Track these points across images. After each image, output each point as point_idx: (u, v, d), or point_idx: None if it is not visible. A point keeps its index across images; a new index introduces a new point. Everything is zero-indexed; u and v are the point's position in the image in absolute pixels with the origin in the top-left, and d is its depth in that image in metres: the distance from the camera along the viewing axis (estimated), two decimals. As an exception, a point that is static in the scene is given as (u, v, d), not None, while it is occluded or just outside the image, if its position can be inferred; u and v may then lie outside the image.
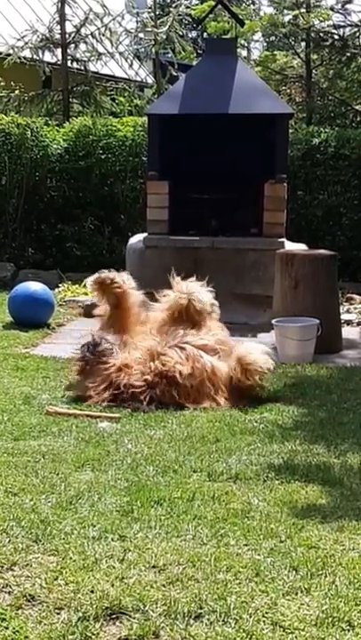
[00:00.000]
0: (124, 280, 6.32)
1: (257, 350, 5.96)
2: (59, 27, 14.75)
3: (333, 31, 15.84)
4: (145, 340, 6.02)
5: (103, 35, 15.30)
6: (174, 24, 15.76)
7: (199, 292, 6.27)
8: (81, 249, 11.72)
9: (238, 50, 14.29)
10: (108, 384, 5.77)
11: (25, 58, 14.80)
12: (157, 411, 5.54)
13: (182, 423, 5.24)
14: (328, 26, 16.12)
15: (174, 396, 5.68)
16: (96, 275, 6.31)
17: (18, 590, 3.05)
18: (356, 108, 16.53)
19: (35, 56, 14.89)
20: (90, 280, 6.38)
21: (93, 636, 2.78)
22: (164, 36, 15.86)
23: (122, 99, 15.93)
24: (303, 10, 16.30)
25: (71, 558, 3.27)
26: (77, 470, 4.31)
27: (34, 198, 11.84)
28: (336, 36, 15.67)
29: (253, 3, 28.06)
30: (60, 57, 14.94)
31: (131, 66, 17.62)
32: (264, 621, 2.85)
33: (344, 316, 8.57)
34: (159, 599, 2.97)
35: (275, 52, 19.64)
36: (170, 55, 16.86)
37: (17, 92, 14.52)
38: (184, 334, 5.97)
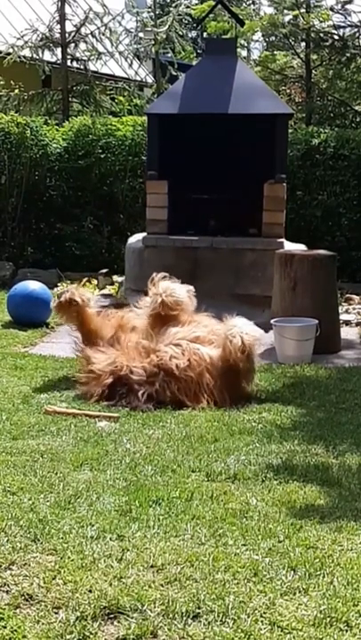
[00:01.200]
0: (83, 298, 6.36)
1: (242, 324, 5.98)
2: (59, 26, 14.75)
3: (333, 31, 15.86)
4: (138, 342, 6.03)
5: (103, 34, 15.30)
6: (174, 24, 15.77)
7: (172, 287, 6.25)
8: (80, 248, 11.72)
9: (238, 50, 14.29)
10: (106, 373, 5.80)
11: (25, 57, 14.80)
12: (156, 410, 5.54)
13: (181, 423, 5.24)
14: (328, 26, 16.13)
15: (174, 392, 5.67)
16: (56, 300, 6.46)
17: (16, 589, 3.05)
18: (356, 108, 16.54)
19: (34, 55, 14.88)
20: (53, 306, 6.56)
21: (91, 636, 2.78)
22: (164, 36, 15.87)
23: (121, 98, 15.93)
24: (303, 10, 16.31)
25: (69, 558, 3.27)
26: (76, 470, 4.31)
27: (33, 197, 11.83)
28: (336, 37, 15.69)
29: (253, 3, 28.05)
30: (59, 56, 14.94)
31: (130, 65, 17.62)
32: (262, 621, 2.86)
33: (343, 317, 8.58)
34: (157, 599, 2.97)
35: (274, 52, 19.62)
36: (170, 55, 16.88)
37: (16, 91, 14.52)
38: (176, 332, 5.97)
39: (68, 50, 14.89)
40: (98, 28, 15.18)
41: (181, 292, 6.27)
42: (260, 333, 6.08)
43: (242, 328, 5.91)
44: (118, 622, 2.86)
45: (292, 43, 17.78)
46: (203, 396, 5.73)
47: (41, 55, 14.95)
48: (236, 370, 5.86)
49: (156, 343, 5.94)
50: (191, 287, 6.39)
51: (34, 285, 8.63)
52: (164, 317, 6.15)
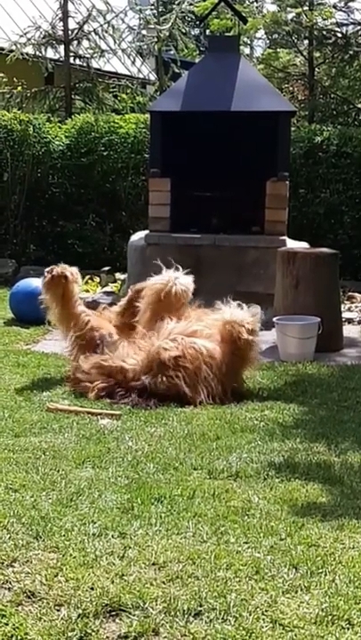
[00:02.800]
0: (72, 273, 6.44)
1: (240, 312, 6.02)
2: (61, 23, 14.74)
3: (336, 29, 15.85)
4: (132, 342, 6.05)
5: (106, 31, 15.28)
6: (177, 21, 15.76)
7: (180, 277, 6.28)
8: (82, 246, 11.72)
9: (241, 47, 14.30)
10: (100, 368, 5.82)
11: (27, 54, 14.79)
12: (158, 408, 5.54)
13: (183, 420, 5.24)
14: (331, 24, 16.12)
15: (170, 380, 5.65)
16: (47, 275, 6.39)
17: (18, 587, 3.05)
18: (359, 106, 16.52)
19: (37, 52, 14.87)
20: (43, 282, 6.45)
21: (93, 633, 2.79)
22: (167, 33, 15.85)
23: (124, 96, 15.92)
24: (306, 8, 16.28)
25: (71, 555, 3.27)
26: (78, 467, 4.31)
27: (35, 195, 11.84)
28: (339, 34, 15.68)
29: (256, 0, 28.02)
30: (62, 53, 14.93)
31: (133, 63, 17.60)
32: (264, 619, 2.86)
33: (345, 315, 8.57)
34: (159, 596, 2.97)
35: (277, 50, 19.59)
36: (172, 52, 16.84)
37: (19, 88, 14.52)
38: (173, 327, 5.95)
39: (71, 47, 14.87)
40: (101, 26, 15.16)
41: (187, 281, 6.28)
42: (255, 316, 6.08)
43: (239, 314, 5.96)
44: (120, 620, 2.86)
45: (295, 40, 17.76)
46: (201, 388, 5.71)
47: (44, 52, 14.95)
48: (241, 354, 5.88)
49: (151, 339, 5.94)
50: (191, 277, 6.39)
51: (36, 283, 8.59)
52: (162, 306, 6.12)
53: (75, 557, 3.25)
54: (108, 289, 10.18)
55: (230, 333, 5.91)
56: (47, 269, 6.45)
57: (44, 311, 6.56)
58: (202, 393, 5.72)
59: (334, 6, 16.16)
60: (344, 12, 15.95)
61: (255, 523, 3.63)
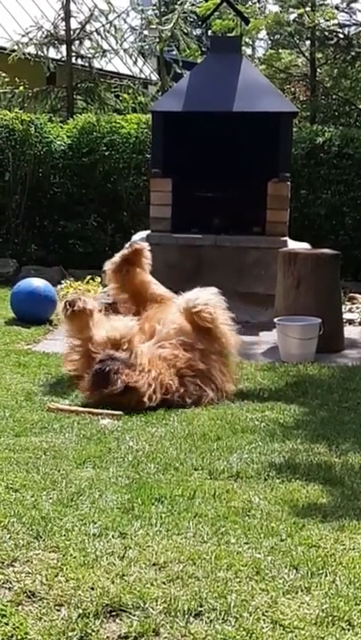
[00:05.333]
0: (94, 305, 6.23)
1: (197, 295, 6.02)
2: (63, 23, 14.74)
3: (338, 30, 15.85)
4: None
5: (108, 31, 15.30)
6: (179, 21, 15.77)
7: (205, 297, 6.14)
8: (84, 246, 11.71)
9: (243, 48, 14.27)
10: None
11: (29, 54, 14.79)
12: (159, 408, 5.53)
13: (183, 421, 5.24)
14: (333, 25, 16.12)
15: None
16: (68, 308, 6.08)
17: (18, 586, 3.05)
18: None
19: (39, 52, 14.88)
20: (64, 315, 6.18)
21: (93, 633, 2.79)
22: (169, 34, 15.87)
23: (126, 96, 15.92)
24: (308, 8, 16.29)
25: (72, 555, 3.27)
26: (78, 467, 4.31)
27: (37, 194, 11.83)
28: (341, 35, 15.68)
29: (258, 1, 27.99)
30: (64, 53, 14.93)
31: (135, 63, 17.62)
32: (264, 620, 2.86)
33: (346, 316, 8.57)
34: (159, 597, 2.97)
35: (279, 51, 19.59)
36: (174, 52, 16.85)
37: (21, 88, 14.52)
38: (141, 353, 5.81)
39: (73, 47, 14.88)
40: (103, 26, 15.17)
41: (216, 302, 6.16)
42: (214, 299, 6.10)
43: (192, 297, 5.99)
44: (120, 620, 2.86)
45: (297, 41, 17.76)
46: (206, 383, 5.74)
47: (46, 52, 14.95)
48: (211, 333, 5.93)
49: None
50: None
51: (37, 283, 8.63)
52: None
53: (75, 557, 3.25)
54: (110, 291, 10.17)
55: (192, 318, 5.92)
56: (68, 300, 6.10)
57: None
58: (208, 389, 5.73)
59: (336, 7, 16.17)
60: (346, 13, 15.97)
61: (256, 523, 3.62)
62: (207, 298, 6.04)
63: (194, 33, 25.19)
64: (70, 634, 2.78)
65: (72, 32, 14.78)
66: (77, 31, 14.86)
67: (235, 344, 6.18)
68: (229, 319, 6.17)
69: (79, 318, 6.03)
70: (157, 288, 6.65)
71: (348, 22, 15.96)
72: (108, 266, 6.73)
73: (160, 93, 15.98)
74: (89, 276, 10.13)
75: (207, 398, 5.72)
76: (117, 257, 6.70)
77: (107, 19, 15.25)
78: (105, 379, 5.47)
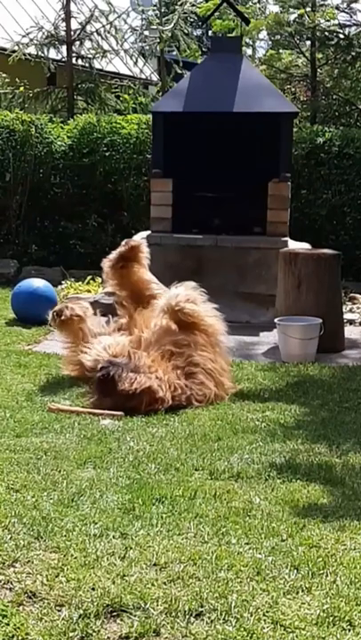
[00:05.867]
0: (84, 310, 6.35)
1: (176, 293, 6.03)
2: (64, 23, 14.73)
3: (339, 30, 15.83)
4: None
5: (108, 32, 15.28)
6: (179, 22, 15.75)
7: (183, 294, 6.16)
8: (84, 246, 11.71)
9: (243, 48, 14.27)
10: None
11: (30, 54, 14.78)
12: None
13: (184, 421, 5.24)
14: (333, 25, 16.10)
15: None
16: (56, 318, 6.29)
17: (19, 587, 3.05)
18: (361, 107, 16.52)
19: (40, 53, 14.87)
20: (54, 324, 6.39)
21: (94, 634, 2.79)
22: (170, 34, 15.84)
23: (126, 96, 15.92)
24: (309, 9, 16.27)
25: (72, 555, 3.27)
26: (79, 467, 4.31)
27: (37, 195, 11.84)
28: (341, 36, 15.66)
29: (259, 1, 27.98)
30: (65, 54, 14.92)
31: (136, 63, 17.59)
32: (265, 620, 2.86)
33: (347, 316, 8.57)
34: (160, 597, 2.97)
35: (280, 51, 19.59)
36: (175, 53, 16.82)
37: (21, 88, 14.52)
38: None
39: (74, 47, 14.87)
40: (103, 26, 15.16)
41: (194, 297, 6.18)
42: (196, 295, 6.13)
43: (171, 296, 6.01)
44: (121, 620, 2.86)
45: (298, 41, 17.74)
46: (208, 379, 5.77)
47: (46, 53, 14.94)
48: (196, 327, 5.95)
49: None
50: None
51: (38, 283, 8.63)
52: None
53: (76, 558, 3.25)
54: (109, 289, 10.17)
55: (176, 316, 5.93)
56: (55, 310, 6.29)
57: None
58: (211, 384, 5.76)
59: (337, 7, 16.15)
60: (347, 13, 15.94)
61: (256, 524, 3.62)
62: (186, 294, 6.05)
63: (194, 33, 25.17)
64: (71, 634, 2.78)
65: (72, 32, 14.77)
66: (78, 32, 14.85)
67: (222, 331, 6.20)
68: (211, 308, 6.21)
69: (69, 325, 6.23)
70: (158, 287, 6.65)
71: (348, 22, 15.94)
72: (106, 262, 6.75)
73: (160, 94, 15.96)
74: (89, 277, 10.13)
75: (211, 394, 5.72)
76: (114, 254, 6.71)
77: (107, 19, 15.23)
78: (111, 383, 5.47)
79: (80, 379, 6.05)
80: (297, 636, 2.78)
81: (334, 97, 16.75)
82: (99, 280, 10.32)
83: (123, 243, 6.76)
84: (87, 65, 15.22)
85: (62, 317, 6.22)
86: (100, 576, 3.11)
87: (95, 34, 15.11)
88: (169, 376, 5.62)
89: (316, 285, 7.47)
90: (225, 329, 6.25)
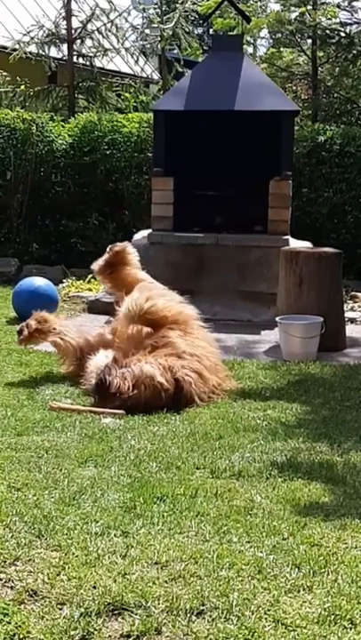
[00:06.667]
0: (42, 324, 6.40)
1: (133, 298, 6.06)
2: (65, 22, 14.72)
3: (340, 29, 15.83)
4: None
5: (109, 30, 15.27)
6: (180, 20, 15.73)
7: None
8: (85, 245, 11.71)
9: (244, 46, 14.28)
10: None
11: (31, 53, 14.78)
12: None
13: (185, 420, 5.24)
14: (335, 23, 16.11)
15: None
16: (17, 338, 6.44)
17: (20, 585, 3.05)
18: (362, 105, 16.52)
19: (40, 51, 14.86)
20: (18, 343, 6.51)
21: (95, 632, 2.79)
22: (171, 33, 15.83)
23: (127, 95, 15.92)
24: (310, 7, 16.29)
25: (74, 554, 3.27)
26: (80, 466, 4.31)
27: (38, 194, 11.84)
28: (343, 34, 15.65)
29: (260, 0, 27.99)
30: (65, 52, 14.92)
31: (137, 62, 17.59)
32: (266, 619, 2.86)
33: (348, 314, 8.57)
34: (161, 595, 2.97)
35: (281, 49, 19.61)
36: (176, 51, 16.81)
37: (22, 87, 14.52)
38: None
39: (75, 46, 14.86)
40: (104, 25, 15.15)
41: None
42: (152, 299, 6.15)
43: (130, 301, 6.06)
44: (122, 619, 2.86)
45: (299, 40, 17.76)
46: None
47: (47, 51, 14.93)
48: (167, 321, 5.97)
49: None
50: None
51: (39, 282, 8.63)
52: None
53: (77, 556, 3.25)
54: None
55: (144, 320, 5.97)
56: (18, 329, 6.48)
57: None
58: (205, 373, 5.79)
59: (338, 5, 16.15)
60: (348, 11, 15.94)
61: (258, 522, 3.62)
62: (142, 295, 6.09)
63: (195, 32, 25.18)
64: (72, 633, 2.78)
65: (73, 31, 14.77)
66: (79, 30, 14.84)
67: (193, 316, 6.22)
68: (174, 298, 6.25)
69: (35, 339, 6.41)
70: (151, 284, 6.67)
71: (349, 21, 15.94)
72: (95, 269, 6.82)
73: (161, 92, 15.96)
74: (91, 275, 10.13)
75: (204, 372, 5.74)
76: (101, 261, 6.74)
77: (108, 17, 15.23)
78: (107, 386, 5.48)
79: (77, 377, 6.09)
80: (298, 635, 2.78)
81: (335, 95, 16.76)
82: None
83: (107, 249, 6.79)
84: (88, 63, 15.21)
85: (21, 337, 6.39)
86: (102, 574, 3.11)
87: (96, 32, 15.10)
88: (160, 360, 5.64)
89: (318, 284, 7.47)
90: (196, 312, 6.27)
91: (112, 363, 5.62)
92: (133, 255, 6.73)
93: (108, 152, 11.66)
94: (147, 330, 5.96)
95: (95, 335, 6.36)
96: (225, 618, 2.86)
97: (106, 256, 6.73)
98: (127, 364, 5.61)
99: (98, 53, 15.32)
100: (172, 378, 5.54)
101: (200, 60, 16.30)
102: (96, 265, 6.78)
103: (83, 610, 2.88)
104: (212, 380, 5.85)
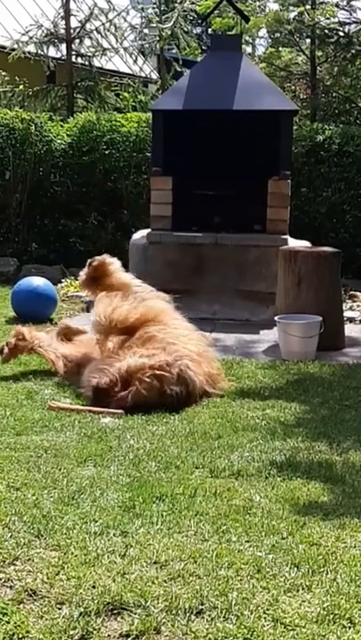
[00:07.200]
0: (20, 341, 6.47)
1: (97, 314, 6.12)
2: (63, 22, 14.72)
3: (339, 28, 15.82)
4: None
5: (108, 30, 15.26)
6: (179, 20, 15.73)
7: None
8: (84, 244, 11.70)
9: (243, 46, 14.26)
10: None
11: (29, 53, 14.78)
12: (160, 406, 5.52)
13: (184, 419, 5.24)
14: (333, 23, 16.09)
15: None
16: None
17: (19, 585, 3.05)
18: (361, 104, 16.52)
19: (39, 51, 14.85)
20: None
21: (95, 632, 2.79)
22: (169, 32, 15.84)
23: (126, 94, 15.91)
24: (308, 6, 16.28)
25: (73, 553, 3.27)
26: (80, 465, 4.31)
27: (37, 193, 11.83)
28: (341, 33, 15.64)
29: (258, -1, 27.98)
30: (64, 52, 14.91)
31: (135, 61, 17.59)
32: (265, 618, 2.86)
33: (347, 314, 8.57)
34: (160, 595, 2.97)
35: (280, 49, 19.61)
36: (174, 51, 16.82)
37: (21, 86, 14.51)
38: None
39: (73, 46, 14.86)
40: (103, 24, 15.14)
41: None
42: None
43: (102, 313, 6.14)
44: (122, 618, 2.86)
45: (298, 39, 17.76)
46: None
47: (46, 51, 14.93)
48: (141, 322, 6.03)
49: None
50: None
51: (38, 281, 8.64)
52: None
53: (76, 556, 3.26)
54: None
55: (116, 329, 6.03)
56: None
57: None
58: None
59: (337, 5, 16.14)
60: (346, 10, 15.92)
61: (257, 521, 3.63)
62: (105, 307, 6.13)
63: (194, 31, 25.17)
64: (72, 632, 2.78)
65: (72, 30, 14.76)
66: (77, 30, 14.84)
67: (165, 308, 6.26)
68: (139, 301, 6.28)
69: (18, 354, 6.47)
70: (139, 286, 6.66)
71: (348, 20, 15.92)
72: (80, 285, 6.90)
73: (160, 92, 15.97)
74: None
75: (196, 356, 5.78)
76: (83, 276, 6.77)
77: (107, 17, 15.22)
78: (104, 391, 5.49)
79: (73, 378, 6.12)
80: (297, 634, 2.78)
81: (334, 95, 16.75)
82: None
83: (87, 264, 6.79)
84: (87, 63, 15.21)
85: (3, 355, 6.44)
86: (101, 574, 3.11)
87: (95, 32, 15.10)
88: (146, 352, 5.66)
89: (317, 283, 7.47)
90: (168, 305, 6.32)
91: (103, 369, 5.67)
92: (114, 264, 6.70)
93: (106, 152, 11.66)
94: (123, 337, 6.01)
95: (78, 345, 6.48)
96: (224, 617, 2.86)
97: (86, 271, 6.74)
98: (111, 363, 5.66)
99: (96, 53, 15.31)
100: (165, 364, 5.54)
101: (199, 59, 16.29)
102: (80, 280, 6.83)
103: (82, 609, 2.88)
104: (203, 364, 5.85)
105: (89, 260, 6.80)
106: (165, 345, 5.77)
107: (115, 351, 5.92)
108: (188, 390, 5.57)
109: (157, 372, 5.49)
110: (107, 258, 6.76)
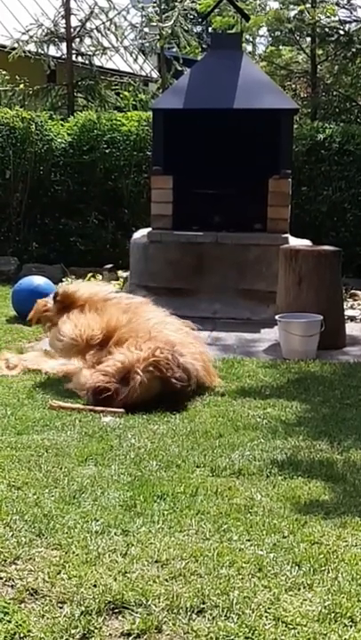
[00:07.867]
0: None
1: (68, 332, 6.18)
2: (64, 21, 14.72)
3: (339, 27, 15.83)
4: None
5: (108, 29, 15.27)
6: (179, 18, 15.73)
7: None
8: (85, 243, 11.72)
9: (243, 45, 14.27)
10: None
11: (30, 52, 14.78)
12: (160, 406, 5.52)
13: (185, 418, 5.24)
14: (334, 21, 16.10)
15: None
16: None
17: (21, 584, 3.05)
18: (361, 103, 16.52)
19: (40, 50, 14.86)
20: None
21: (96, 631, 2.79)
22: (169, 31, 15.83)
23: (126, 93, 15.91)
24: (309, 5, 16.28)
25: (74, 552, 3.27)
26: (81, 464, 4.31)
27: (38, 192, 11.84)
28: (342, 32, 15.66)
29: (259, -3, 27.97)
30: (64, 51, 14.92)
31: (135, 60, 17.60)
32: (266, 617, 2.86)
33: (348, 313, 8.57)
34: (162, 594, 2.97)
35: (280, 47, 19.60)
36: (175, 50, 16.82)
37: (21, 85, 14.52)
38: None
39: (74, 45, 14.86)
40: (103, 23, 15.14)
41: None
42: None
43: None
44: (123, 617, 2.86)
45: (298, 38, 17.76)
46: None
47: (46, 50, 14.93)
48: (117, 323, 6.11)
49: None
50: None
51: (39, 280, 8.64)
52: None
53: (77, 555, 3.26)
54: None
55: (92, 345, 6.10)
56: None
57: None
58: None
59: (337, 3, 16.15)
60: (347, 9, 15.94)
61: (258, 520, 3.63)
62: (70, 329, 6.17)
63: (194, 30, 25.18)
64: (73, 631, 2.78)
65: (72, 30, 14.76)
66: (78, 29, 14.84)
67: (127, 304, 6.34)
68: (113, 297, 6.40)
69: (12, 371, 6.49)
70: (108, 291, 6.68)
71: (348, 19, 15.94)
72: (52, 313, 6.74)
73: (161, 91, 15.96)
74: (90, 274, 10.14)
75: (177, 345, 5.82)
76: (53, 308, 6.63)
77: (107, 16, 15.22)
78: (104, 391, 5.50)
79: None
80: (298, 633, 2.78)
81: (335, 93, 16.76)
82: (99, 277, 10.34)
83: (52, 296, 6.75)
84: (87, 62, 15.21)
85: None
86: (102, 573, 3.11)
87: (95, 31, 15.10)
88: (135, 340, 5.71)
89: (317, 282, 7.47)
90: (139, 299, 6.44)
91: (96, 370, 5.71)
92: (79, 290, 6.59)
93: (107, 151, 11.66)
94: (103, 350, 6.03)
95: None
96: (225, 616, 2.86)
97: (54, 305, 6.64)
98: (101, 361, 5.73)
99: (97, 52, 15.31)
100: (152, 354, 5.54)
101: (199, 58, 16.28)
102: (52, 314, 6.65)
103: (83, 608, 2.88)
104: (189, 350, 5.88)
105: (52, 295, 6.77)
106: (150, 334, 5.78)
107: (97, 361, 5.93)
108: (189, 374, 5.59)
109: (152, 360, 5.49)
110: (69, 287, 6.73)
